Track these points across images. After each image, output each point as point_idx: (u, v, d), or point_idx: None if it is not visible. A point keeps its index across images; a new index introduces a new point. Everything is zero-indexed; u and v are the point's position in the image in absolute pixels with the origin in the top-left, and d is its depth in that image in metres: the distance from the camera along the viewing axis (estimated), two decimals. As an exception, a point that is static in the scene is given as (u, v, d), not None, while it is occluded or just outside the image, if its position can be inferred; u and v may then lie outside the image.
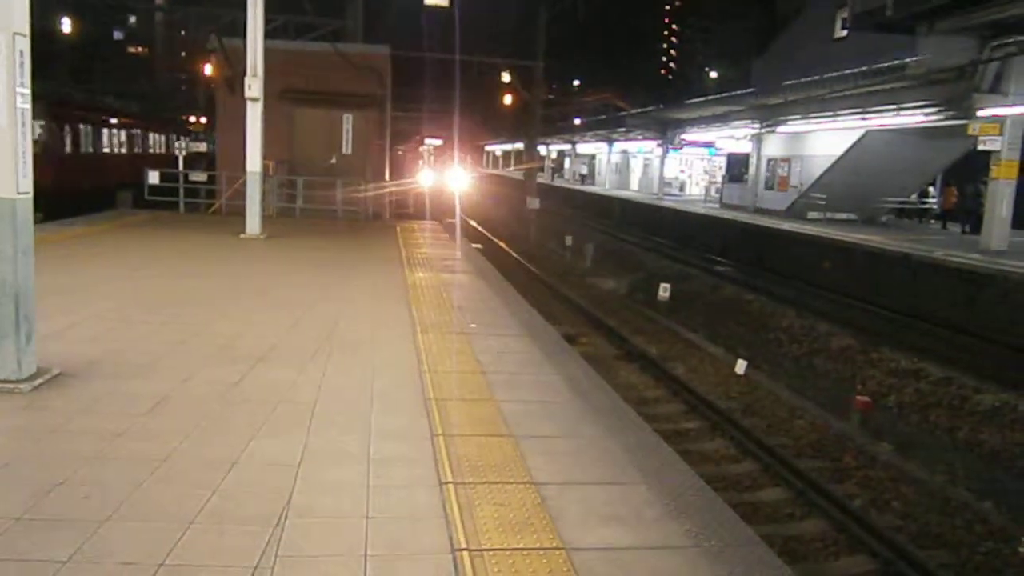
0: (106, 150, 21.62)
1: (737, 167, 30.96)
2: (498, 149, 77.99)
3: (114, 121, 22.47)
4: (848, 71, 20.36)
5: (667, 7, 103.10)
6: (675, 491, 3.97)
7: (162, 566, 2.99)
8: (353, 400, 5.14)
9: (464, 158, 46.71)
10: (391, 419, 4.81)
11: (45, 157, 16.45)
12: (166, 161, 20.01)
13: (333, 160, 19.54)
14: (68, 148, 18.97)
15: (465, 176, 35.85)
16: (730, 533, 3.57)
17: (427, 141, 50.77)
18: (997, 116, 16.37)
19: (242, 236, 13.68)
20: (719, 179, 35.29)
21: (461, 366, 6.08)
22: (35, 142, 21.10)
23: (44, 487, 3.60)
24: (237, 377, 5.50)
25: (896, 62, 18.58)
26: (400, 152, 42.44)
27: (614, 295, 17.64)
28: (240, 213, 14.36)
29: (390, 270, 10.87)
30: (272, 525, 3.36)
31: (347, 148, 19.79)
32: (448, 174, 35.98)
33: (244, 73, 13.69)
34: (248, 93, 13.54)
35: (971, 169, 21.13)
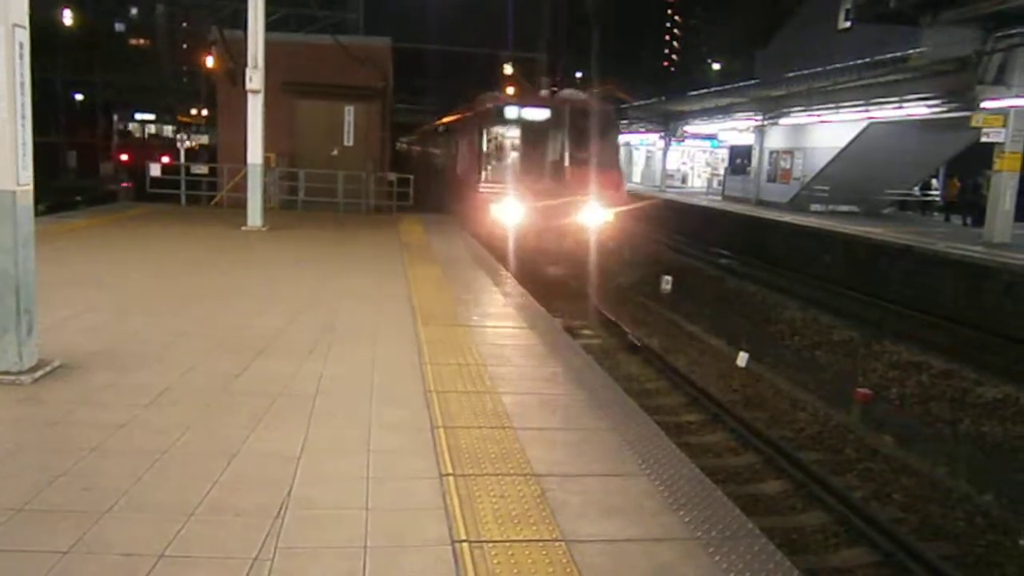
0: (194, 143, 32.45)
1: (739, 159, 30.94)
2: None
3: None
4: (851, 63, 20.29)
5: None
6: (675, 483, 3.97)
7: (162, 557, 3.00)
8: (353, 392, 5.15)
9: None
10: (391, 411, 4.81)
11: (174, 148, 26.37)
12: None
13: (335, 152, 19.52)
14: (179, 143, 28.52)
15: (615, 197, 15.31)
16: (730, 525, 3.57)
17: (510, 113, 15.67)
18: (1000, 108, 16.31)
19: (243, 228, 13.67)
20: (721, 171, 35.24)
21: (462, 358, 6.08)
22: (170, 139, 26.61)
23: (45, 478, 3.61)
24: (238, 369, 5.50)
25: (899, 54, 18.51)
26: (405, 145, 37.51)
27: (618, 287, 17.61)
28: (242, 205, 14.35)
29: (391, 262, 10.87)
30: (272, 517, 3.37)
31: (349, 140, 19.76)
32: (572, 196, 14.67)
33: (245, 65, 13.66)
34: (249, 85, 13.51)
35: (974, 161, 21.06)
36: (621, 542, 3.33)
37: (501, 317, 7.75)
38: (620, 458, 4.27)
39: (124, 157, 25.16)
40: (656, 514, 3.62)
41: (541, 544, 3.26)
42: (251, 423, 4.47)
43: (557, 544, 3.27)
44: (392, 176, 20.33)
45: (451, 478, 3.85)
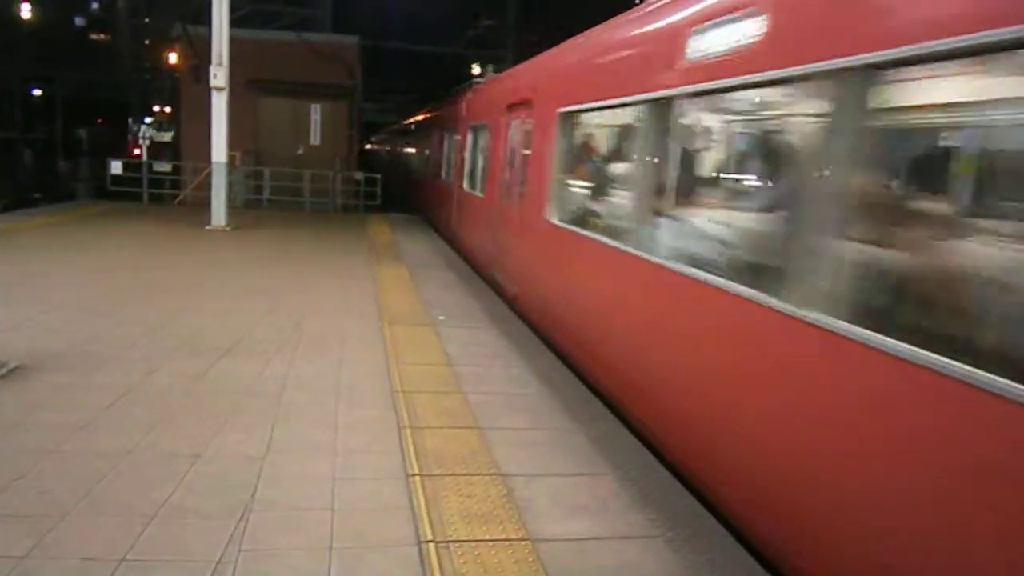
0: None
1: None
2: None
3: None
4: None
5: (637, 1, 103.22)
6: (641, 482, 4.01)
7: (123, 561, 2.95)
8: (320, 393, 5.11)
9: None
10: (358, 412, 4.79)
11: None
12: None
13: (301, 151, 19.34)
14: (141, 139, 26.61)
15: None
16: (694, 523, 3.62)
17: None
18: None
19: (208, 228, 13.49)
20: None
21: (429, 358, 6.07)
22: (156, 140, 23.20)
23: (2, 482, 3.53)
24: (202, 370, 5.43)
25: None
26: (385, 147, 35.36)
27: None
28: (206, 204, 14.17)
29: (358, 262, 10.81)
30: (236, 519, 3.34)
31: (315, 139, 19.59)
32: None
33: (209, 62, 13.48)
34: (213, 82, 13.33)
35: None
36: (587, 540, 3.36)
37: (469, 317, 7.74)
38: (587, 457, 4.30)
39: (136, 152, 27.50)
40: (622, 513, 3.65)
41: (507, 543, 3.27)
42: (215, 425, 4.42)
43: (523, 543, 3.28)
44: (360, 175, 20.20)
45: (417, 478, 3.85)
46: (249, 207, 17.82)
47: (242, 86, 16.31)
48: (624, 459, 4.30)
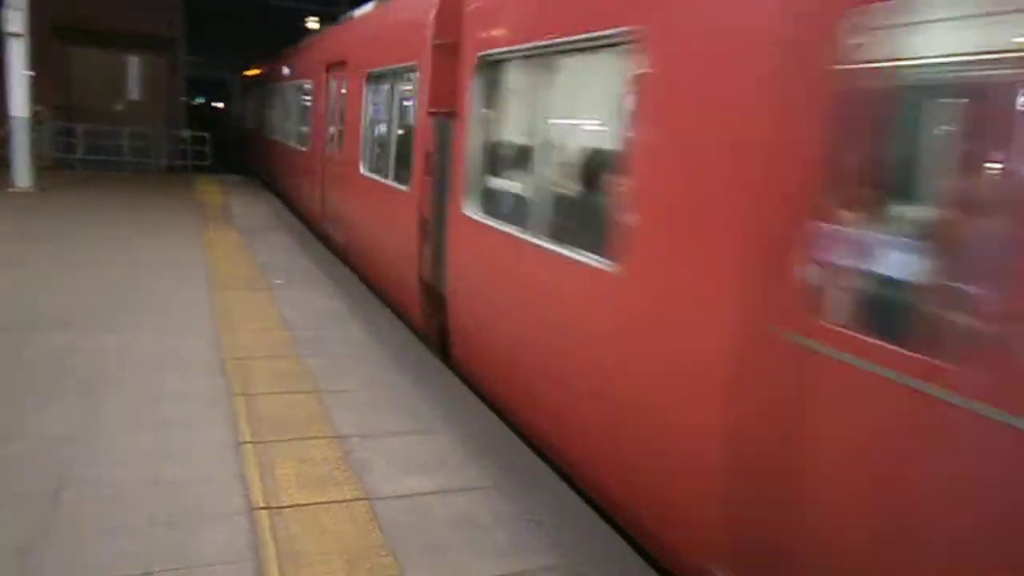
0: None
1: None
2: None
3: None
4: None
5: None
6: (477, 436, 4.11)
7: (-88, 556, 2.69)
8: (143, 365, 4.83)
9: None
10: (185, 382, 4.57)
11: None
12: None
13: (120, 107, 17.88)
14: None
15: None
16: (529, 474, 3.76)
17: None
18: None
19: (10, 190, 12.25)
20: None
21: (264, 323, 5.87)
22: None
23: None
24: (11, 346, 4.98)
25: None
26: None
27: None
28: (6, 164, 12.83)
29: (185, 226, 10.21)
30: (48, 503, 3.12)
31: (135, 94, 18.17)
32: None
33: (3, 4, 12.10)
34: (7, 27, 11.98)
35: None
36: (423, 495, 3.41)
37: (308, 280, 7.54)
38: (423, 416, 4.34)
39: None
40: (458, 467, 3.73)
41: (344, 504, 3.27)
42: (25, 404, 4.08)
43: (360, 503, 3.29)
44: (186, 133, 18.98)
45: (249, 446, 3.74)
46: (59, 167, 16.32)
47: (46, 33, 14.78)
48: (458, 416, 4.38)
